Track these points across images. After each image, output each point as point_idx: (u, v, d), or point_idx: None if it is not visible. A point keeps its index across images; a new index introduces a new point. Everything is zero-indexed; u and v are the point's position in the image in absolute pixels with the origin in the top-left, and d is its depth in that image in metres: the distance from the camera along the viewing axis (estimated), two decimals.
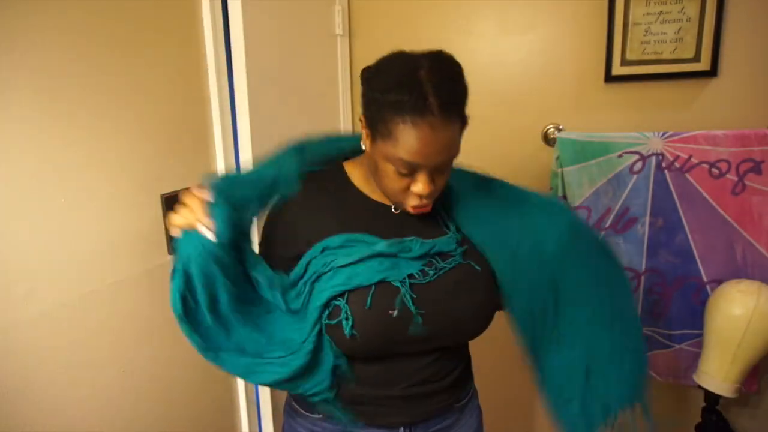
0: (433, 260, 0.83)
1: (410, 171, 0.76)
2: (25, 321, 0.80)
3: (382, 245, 0.80)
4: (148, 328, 1.03)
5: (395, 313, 0.78)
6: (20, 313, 0.79)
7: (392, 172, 0.77)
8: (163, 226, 1.06)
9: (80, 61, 0.87)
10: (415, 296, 0.79)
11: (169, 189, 1.07)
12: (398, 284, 0.79)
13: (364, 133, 0.82)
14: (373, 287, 0.79)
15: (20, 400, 0.80)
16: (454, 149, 0.77)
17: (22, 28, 0.78)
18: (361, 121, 0.82)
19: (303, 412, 0.94)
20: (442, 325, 0.82)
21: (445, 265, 0.82)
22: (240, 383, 1.31)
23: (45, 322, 0.83)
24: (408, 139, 0.72)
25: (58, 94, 0.84)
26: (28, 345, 0.81)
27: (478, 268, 0.85)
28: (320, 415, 0.92)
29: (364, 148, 0.84)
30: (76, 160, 0.87)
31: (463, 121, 0.78)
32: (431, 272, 0.81)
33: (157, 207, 1.05)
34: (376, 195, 0.88)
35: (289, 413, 0.98)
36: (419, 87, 0.72)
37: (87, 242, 0.90)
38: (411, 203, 0.80)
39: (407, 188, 0.78)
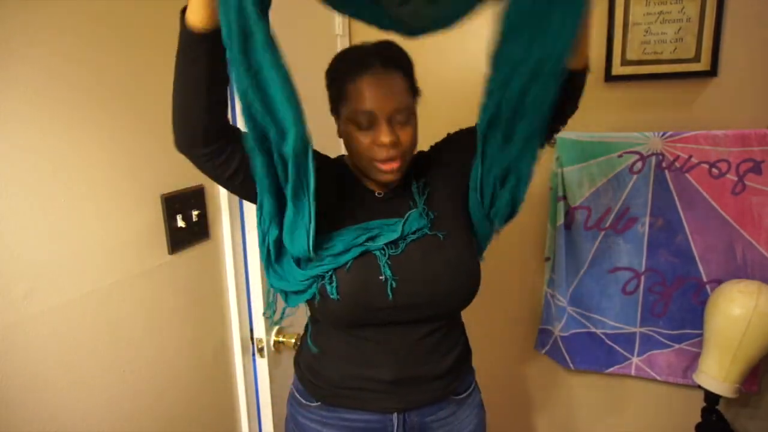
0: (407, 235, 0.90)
1: (369, 122, 0.83)
2: (25, 321, 0.80)
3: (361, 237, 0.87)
4: (149, 328, 1.03)
5: (383, 277, 0.85)
6: (20, 313, 0.79)
7: (356, 131, 0.85)
8: (163, 226, 1.06)
9: (80, 60, 0.87)
10: (390, 263, 0.86)
11: (169, 189, 1.07)
12: (378, 253, 0.86)
13: (336, 121, 0.91)
14: (355, 256, 0.86)
15: (20, 400, 0.80)
16: (402, 99, 0.85)
17: (21, 27, 0.78)
18: (333, 116, 0.92)
19: (303, 401, 0.98)
20: (418, 288, 0.87)
21: (413, 237, 0.89)
22: (240, 383, 1.31)
23: (45, 322, 0.83)
24: (359, 91, 0.83)
25: (58, 94, 0.84)
26: (28, 345, 0.80)
27: (443, 233, 0.90)
28: (318, 403, 0.95)
29: (339, 137, 0.92)
30: (76, 160, 0.87)
31: (408, 79, 0.87)
32: (401, 243, 0.88)
33: (157, 207, 1.04)
34: (365, 181, 0.95)
35: (291, 404, 1.03)
36: (362, 52, 0.86)
37: (87, 242, 0.90)
38: (380, 156, 0.85)
39: (373, 143, 0.84)
